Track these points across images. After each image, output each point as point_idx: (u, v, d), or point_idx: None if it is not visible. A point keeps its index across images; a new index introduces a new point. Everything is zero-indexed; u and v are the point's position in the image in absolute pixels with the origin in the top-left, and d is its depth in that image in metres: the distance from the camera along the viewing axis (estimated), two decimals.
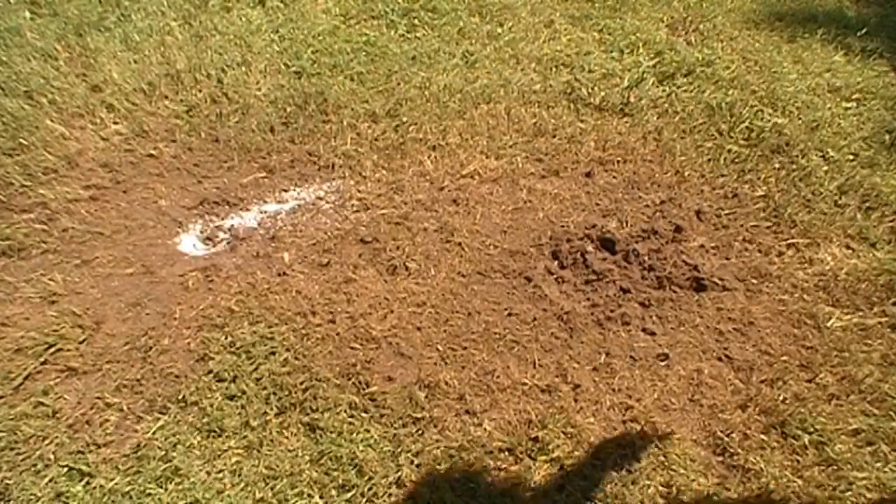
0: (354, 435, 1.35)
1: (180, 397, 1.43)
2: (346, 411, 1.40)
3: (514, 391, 1.43)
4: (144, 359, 1.51)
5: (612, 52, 2.45)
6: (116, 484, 1.29)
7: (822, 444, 1.34)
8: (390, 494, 1.27)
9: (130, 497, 1.28)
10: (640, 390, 1.44)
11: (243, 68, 2.35)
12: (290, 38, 2.50)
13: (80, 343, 1.54)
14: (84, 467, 1.32)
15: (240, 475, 1.31)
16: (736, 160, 1.99)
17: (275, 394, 1.43)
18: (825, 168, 1.96)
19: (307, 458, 1.33)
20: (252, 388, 1.44)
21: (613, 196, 1.90)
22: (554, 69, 2.34)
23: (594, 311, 1.59)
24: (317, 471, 1.31)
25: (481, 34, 2.52)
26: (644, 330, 1.56)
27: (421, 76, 2.33)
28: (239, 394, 1.43)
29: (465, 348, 1.51)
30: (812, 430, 1.36)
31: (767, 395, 1.42)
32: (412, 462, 1.31)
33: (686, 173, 1.95)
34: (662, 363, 1.50)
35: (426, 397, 1.42)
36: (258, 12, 2.69)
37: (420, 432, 1.37)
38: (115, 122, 2.16)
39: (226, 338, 1.54)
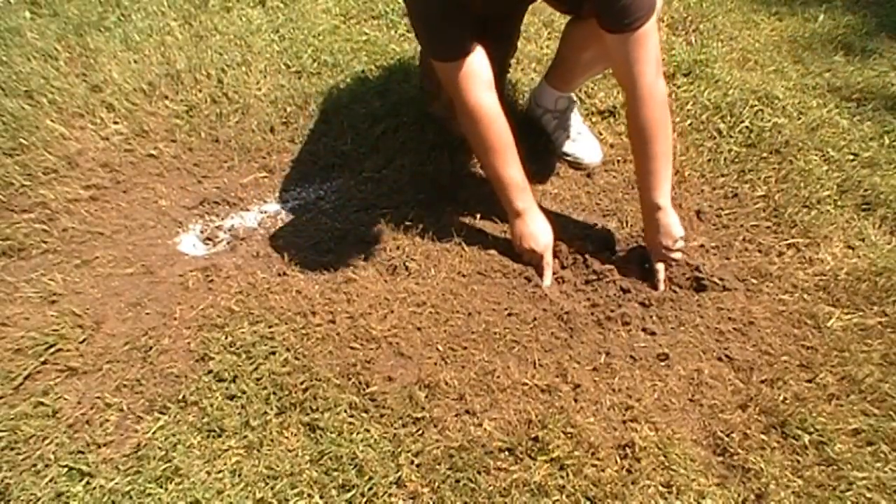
0: (354, 435, 1.35)
1: (180, 397, 1.43)
2: (346, 411, 1.40)
3: (514, 391, 1.43)
4: (144, 359, 1.51)
5: None
6: (116, 484, 1.29)
7: (822, 444, 1.34)
8: (390, 494, 1.27)
9: (130, 497, 1.28)
10: (640, 390, 1.44)
11: (243, 68, 2.35)
12: (291, 38, 2.50)
13: (80, 343, 1.54)
14: (84, 467, 1.32)
15: (240, 475, 1.31)
16: (736, 160, 1.99)
17: (275, 394, 1.43)
18: (825, 168, 1.96)
19: (307, 457, 1.33)
20: (252, 388, 1.44)
21: (613, 196, 1.90)
22: None
23: (594, 310, 1.59)
24: (317, 471, 1.31)
25: None
26: (644, 330, 1.56)
27: None
28: (239, 394, 1.43)
29: (465, 348, 1.51)
30: (812, 430, 1.36)
31: (767, 395, 1.42)
32: (412, 462, 1.31)
33: (686, 173, 1.95)
34: (662, 363, 1.50)
35: (426, 397, 1.42)
36: (258, 12, 2.69)
37: (420, 432, 1.37)
38: (115, 122, 2.17)
39: (226, 338, 1.54)
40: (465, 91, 1.57)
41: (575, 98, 2.04)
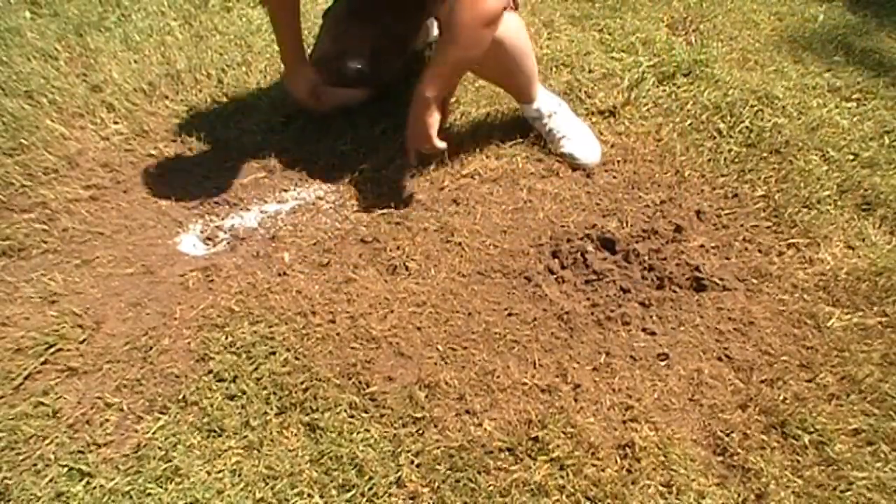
0: (354, 435, 1.35)
1: (180, 397, 1.43)
2: (346, 411, 1.40)
3: (514, 391, 1.43)
4: (145, 359, 1.51)
5: (612, 52, 2.45)
6: (116, 484, 1.29)
7: (822, 444, 1.34)
8: (390, 494, 1.27)
9: (130, 497, 1.28)
10: (640, 390, 1.44)
11: (243, 68, 2.35)
12: None
13: (81, 343, 1.54)
14: (84, 467, 1.32)
15: (240, 475, 1.31)
16: (736, 160, 1.99)
17: (275, 394, 1.43)
18: (825, 168, 1.96)
19: (307, 457, 1.33)
20: (252, 388, 1.44)
21: (613, 196, 1.90)
22: (554, 69, 2.34)
23: (594, 310, 1.59)
24: (317, 470, 1.31)
25: None
26: (644, 330, 1.56)
27: None
28: (239, 394, 1.43)
29: (465, 348, 1.51)
30: (812, 430, 1.36)
31: (767, 395, 1.42)
32: (412, 462, 1.32)
33: (686, 173, 1.95)
34: (662, 363, 1.50)
35: (426, 397, 1.42)
36: (258, 12, 2.69)
37: (420, 432, 1.37)
38: (116, 122, 2.17)
39: (226, 338, 1.54)
40: None
41: (559, 100, 2.04)
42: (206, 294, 1.65)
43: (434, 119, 1.72)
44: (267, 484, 1.29)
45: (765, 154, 2.01)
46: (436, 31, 2.50)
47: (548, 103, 2.00)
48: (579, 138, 1.99)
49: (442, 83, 1.69)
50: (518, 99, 2.04)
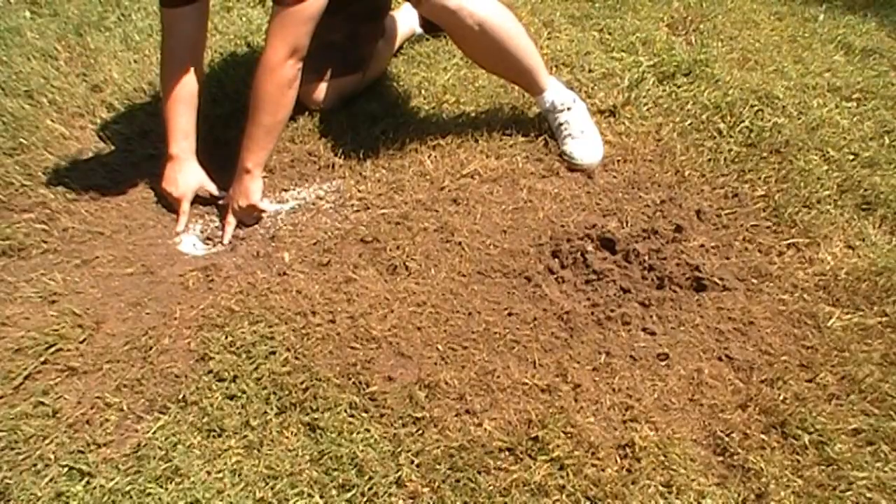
0: (354, 435, 1.35)
1: (180, 397, 1.43)
2: (346, 411, 1.40)
3: (514, 391, 1.43)
4: (145, 358, 1.51)
5: (612, 52, 2.45)
6: (117, 483, 1.29)
7: (822, 444, 1.34)
8: (390, 494, 1.27)
9: (130, 497, 1.28)
10: (640, 390, 1.44)
11: (243, 68, 2.35)
12: None
13: (81, 343, 1.54)
14: (84, 467, 1.32)
15: (240, 475, 1.31)
16: (736, 160, 1.99)
17: (275, 393, 1.43)
18: (825, 168, 1.96)
19: (307, 457, 1.33)
20: (252, 388, 1.44)
21: (613, 196, 1.90)
22: (554, 69, 2.34)
23: (594, 310, 1.59)
24: (317, 470, 1.31)
25: None
26: (644, 330, 1.56)
27: (421, 76, 2.33)
28: (239, 393, 1.43)
29: (465, 348, 1.51)
30: (812, 430, 1.36)
31: (767, 395, 1.42)
32: (412, 462, 1.31)
33: (686, 173, 1.95)
34: (662, 363, 1.50)
35: (426, 397, 1.42)
36: (258, 12, 2.70)
37: (420, 432, 1.37)
38: (116, 122, 2.17)
39: (226, 337, 1.54)
40: (163, 38, 1.85)
41: (573, 97, 2.04)
42: (206, 294, 1.65)
43: (259, 187, 1.79)
44: (267, 484, 1.29)
45: (765, 154, 2.01)
46: (418, 29, 2.51)
47: (562, 96, 2.01)
48: (584, 139, 1.98)
49: (259, 149, 1.78)
50: (529, 91, 2.05)
